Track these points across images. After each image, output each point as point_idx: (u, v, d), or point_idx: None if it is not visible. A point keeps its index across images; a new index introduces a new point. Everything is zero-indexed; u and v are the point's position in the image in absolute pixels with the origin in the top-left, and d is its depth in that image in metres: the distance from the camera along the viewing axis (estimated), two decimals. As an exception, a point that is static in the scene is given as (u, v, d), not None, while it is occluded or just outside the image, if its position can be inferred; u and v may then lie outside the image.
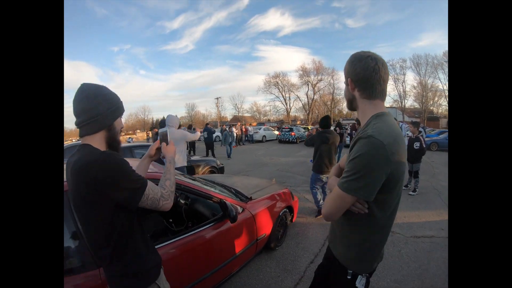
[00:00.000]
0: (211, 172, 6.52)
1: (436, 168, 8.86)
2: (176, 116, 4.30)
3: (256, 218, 2.61)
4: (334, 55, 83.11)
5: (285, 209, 3.25)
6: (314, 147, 4.24)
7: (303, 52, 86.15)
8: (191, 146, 14.40)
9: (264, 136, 21.22)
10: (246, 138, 20.31)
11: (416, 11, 71.14)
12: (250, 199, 2.77)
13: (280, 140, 19.61)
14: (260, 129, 21.86)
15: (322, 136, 4.07)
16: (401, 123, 7.31)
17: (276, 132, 21.73)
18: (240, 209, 2.46)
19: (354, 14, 79.69)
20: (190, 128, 13.98)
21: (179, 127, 5.53)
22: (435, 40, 66.92)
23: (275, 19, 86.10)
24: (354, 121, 8.31)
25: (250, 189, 3.25)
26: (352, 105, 1.14)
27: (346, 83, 1.10)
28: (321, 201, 4.24)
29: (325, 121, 4.30)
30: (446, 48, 56.65)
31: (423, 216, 4.38)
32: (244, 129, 19.88)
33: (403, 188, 7.41)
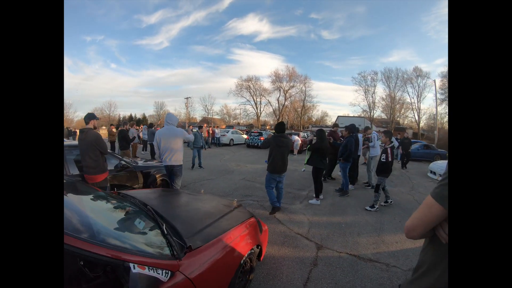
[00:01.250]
0: (163, 182, 5.20)
1: (413, 179, 8.48)
2: (174, 115, 4.51)
3: (198, 282, 1.48)
4: (307, 64, 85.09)
5: (250, 251, 2.16)
6: (269, 149, 4.58)
7: (277, 59, 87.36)
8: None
9: (232, 139, 20.03)
10: (213, 141, 18.97)
11: (389, 29, 75.48)
12: (189, 249, 1.62)
13: (249, 145, 18.58)
14: (227, 132, 20.60)
15: (277, 140, 4.49)
16: (373, 132, 6.80)
17: (245, 136, 20.63)
18: (165, 276, 1.32)
19: (330, 26, 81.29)
20: (151, 127, 12.65)
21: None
22: (404, 56, 71.29)
23: (253, 24, 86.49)
24: (332, 129, 7.78)
25: (197, 221, 2.12)
26: None
27: None
28: (276, 200, 4.72)
29: (280, 127, 4.73)
30: (415, 65, 61.08)
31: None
32: (211, 131, 18.51)
33: (364, 184, 7.38)
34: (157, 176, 5.16)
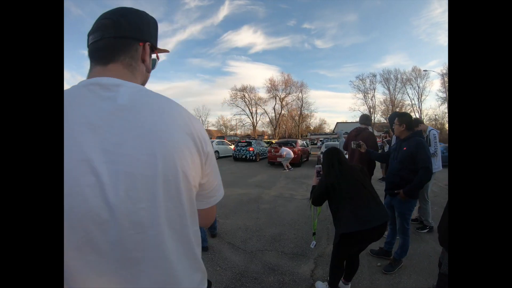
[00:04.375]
0: None
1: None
2: None
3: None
4: (303, 74, 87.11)
5: None
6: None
7: (273, 69, 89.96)
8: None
9: (217, 151, 16.76)
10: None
11: (380, 35, 77.95)
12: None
13: (236, 158, 15.31)
14: (212, 142, 17.31)
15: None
16: (430, 128, 4.29)
17: (232, 147, 17.34)
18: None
19: (323, 35, 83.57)
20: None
21: None
22: (398, 61, 73.45)
23: (247, 36, 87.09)
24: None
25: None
26: None
27: None
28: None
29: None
30: (410, 68, 60.36)
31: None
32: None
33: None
34: None
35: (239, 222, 4.20)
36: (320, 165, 2.48)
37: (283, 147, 11.29)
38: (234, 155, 15.39)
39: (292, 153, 11.18)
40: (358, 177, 2.12)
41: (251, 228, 3.93)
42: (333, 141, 18.24)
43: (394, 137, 4.09)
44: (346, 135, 4.31)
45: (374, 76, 48.30)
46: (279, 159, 11.35)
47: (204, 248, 3.30)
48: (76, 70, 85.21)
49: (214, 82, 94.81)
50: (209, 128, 61.79)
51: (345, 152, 4.04)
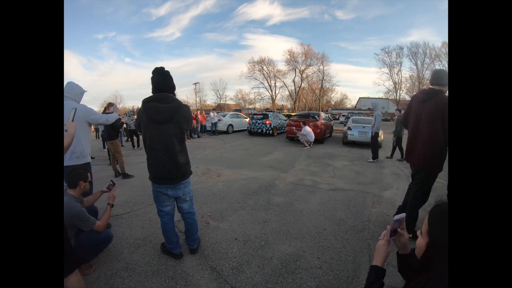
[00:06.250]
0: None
1: None
2: (78, 85, 2.67)
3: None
4: (322, 46, 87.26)
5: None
6: None
7: (292, 42, 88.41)
8: (130, 135, 10.12)
9: (231, 125, 15.39)
10: (204, 129, 14.47)
11: (406, 7, 72.75)
12: None
13: (251, 131, 13.88)
14: (224, 116, 15.89)
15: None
16: None
17: (248, 120, 15.84)
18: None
19: (344, 6, 79.44)
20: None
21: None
22: (425, 36, 70.27)
23: (263, 8, 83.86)
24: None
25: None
26: None
27: None
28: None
29: None
30: (439, 43, 55.82)
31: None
32: (200, 117, 13.96)
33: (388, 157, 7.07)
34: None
35: (237, 228, 2.85)
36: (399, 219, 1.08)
37: (305, 127, 9.61)
38: (249, 128, 13.94)
39: (313, 136, 9.52)
40: None
41: (252, 241, 2.58)
42: (358, 116, 16.25)
43: None
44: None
45: (401, 49, 43.86)
46: (298, 135, 9.79)
47: (178, 256, 2.32)
48: (91, 54, 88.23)
49: (231, 56, 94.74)
50: (227, 102, 60.60)
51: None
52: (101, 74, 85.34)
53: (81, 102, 2.69)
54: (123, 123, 5.64)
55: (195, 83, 50.49)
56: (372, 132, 7.03)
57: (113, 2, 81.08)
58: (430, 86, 2.49)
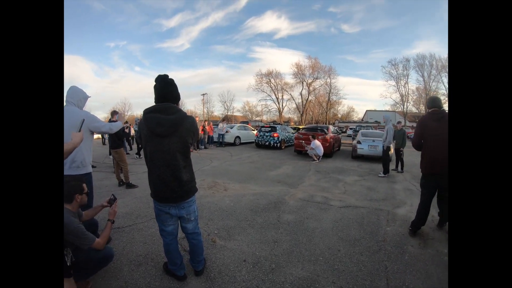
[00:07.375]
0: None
1: None
2: (81, 90, 2.57)
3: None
4: (329, 59, 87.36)
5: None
6: None
7: (299, 55, 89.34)
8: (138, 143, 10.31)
9: (238, 137, 15.32)
10: (211, 140, 14.43)
11: (412, 19, 73.41)
12: None
13: (258, 144, 13.77)
14: (232, 127, 15.86)
15: None
16: None
17: (255, 133, 15.75)
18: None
19: (350, 19, 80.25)
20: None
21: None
22: (430, 47, 69.91)
23: (271, 22, 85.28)
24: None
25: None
26: None
27: None
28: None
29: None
30: (445, 55, 56.25)
31: None
32: (208, 128, 13.96)
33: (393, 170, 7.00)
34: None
35: (246, 249, 2.69)
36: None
37: (314, 141, 9.43)
38: (257, 141, 13.84)
39: (322, 149, 9.33)
40: None
41: (262, 263, 2.40)
42: (367, 129, 15.98)
43: None
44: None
45: (408, 61, 43.72)
46: (307, 148, 9.61)
47: (181, 278, 2.16)
48: (103, 61, 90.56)
49: (240, 69, 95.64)
50: (234, 114, 60.94)
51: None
52: (111, 81, 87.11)
53: (89, 108, 2.62)
54: (127, 132, 5.63)
55: (203, 94, 51.08)
56: (384, 146, 6.83)
57: (125, 12, 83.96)
58: (429, 110, 3.03)
